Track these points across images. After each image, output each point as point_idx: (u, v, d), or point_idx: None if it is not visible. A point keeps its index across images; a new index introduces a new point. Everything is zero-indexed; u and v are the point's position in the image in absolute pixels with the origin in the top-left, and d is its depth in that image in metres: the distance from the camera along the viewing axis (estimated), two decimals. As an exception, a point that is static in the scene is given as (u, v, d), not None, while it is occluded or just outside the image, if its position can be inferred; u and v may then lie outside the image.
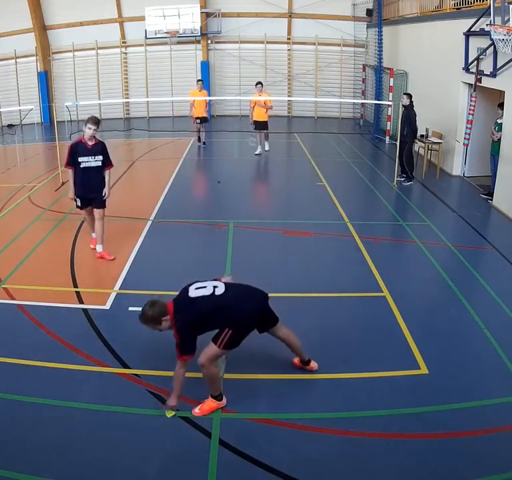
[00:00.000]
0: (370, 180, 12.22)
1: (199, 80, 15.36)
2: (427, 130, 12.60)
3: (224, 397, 4.53)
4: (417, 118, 11.44)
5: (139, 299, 6.36)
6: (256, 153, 14.16)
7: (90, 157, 7.19)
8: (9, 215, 9.57)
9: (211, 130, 16.85)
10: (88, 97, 20.41)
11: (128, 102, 21.42)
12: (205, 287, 4.49)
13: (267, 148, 14.38)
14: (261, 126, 14.12)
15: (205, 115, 14.89)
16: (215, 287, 4.49)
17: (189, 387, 4.79)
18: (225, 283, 4.57)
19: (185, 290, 4.56)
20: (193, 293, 4.46)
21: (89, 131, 7.14)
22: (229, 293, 4.45)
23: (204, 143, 15.43)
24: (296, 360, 5.10)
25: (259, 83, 14.09)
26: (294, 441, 4.21)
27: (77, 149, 7.18)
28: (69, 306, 6.25)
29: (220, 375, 4.57)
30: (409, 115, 11.34)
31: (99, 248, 7.55)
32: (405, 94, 11.90)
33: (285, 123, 20.42)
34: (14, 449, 4.05)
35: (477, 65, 10.58)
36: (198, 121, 14.86)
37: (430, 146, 12.43)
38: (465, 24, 10.97)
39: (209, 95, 18.39)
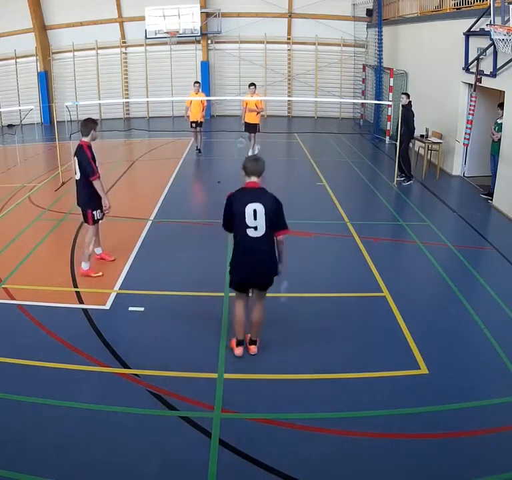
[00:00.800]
0: (370, 180, 12.23)
1: (196, 82, 14.54)
2: (427, 130, 12.60)
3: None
4: (415, 118, 11.44)
5: (139, 299, 6.39)
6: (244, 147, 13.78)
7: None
8: (9, 214, 9.57)
9: (211, 130, 16.84)
10: (88, 96, 20.43)
11: (128, 102, 21.43)
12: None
13: (256, 151, 13.76)
14: (251, 128, 13.67)
15: (201, 119, 14.13)
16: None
17: (188, 386, 4.80)
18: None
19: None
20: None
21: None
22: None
23: (199, 151, 14.52)
24: (247, 336, 5.33)
25: (252, 84, 13.53)
26: (294, 441, 4.21)
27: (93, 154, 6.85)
28: (68, 306, 6.25)
29: None
30: (407, 114, 11.34)
31: (98, 250, 7.40)
32: (403, 94, 11.91)
33: (285, 123, 20.43)
34: (14, 449, 4.05)
35: (477, 65, 10.58)
36: (193, 124, 14.26)
37: (430, 146, 12.43)
38: (465, 24, 10.97)
39: (208, 95, 18.39)
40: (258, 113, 13.67)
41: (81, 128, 6.87)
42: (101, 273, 7.03)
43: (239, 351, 5.25)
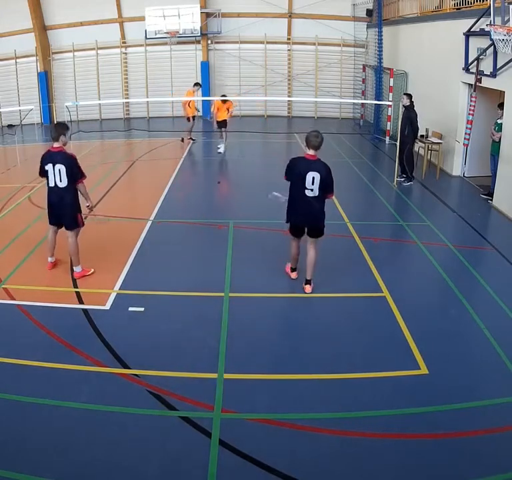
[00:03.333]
0: (370, 180, 12.22)
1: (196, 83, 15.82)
2: (427, 130, 12.60)
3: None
4: (417, 118, 11.44)
5: (139, 299, 6.39)
6: (220, 151, 14.28)
7: None
8: (9, 215, 9.57)
9: (210, 130, 16.83)
10: (88, 97, 20.42)
11: (128, 102, 21.42)
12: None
13: (222, 149, 14.34)
14: (222, 124, 14.44)
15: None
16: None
17: (188, 386, 4.80)
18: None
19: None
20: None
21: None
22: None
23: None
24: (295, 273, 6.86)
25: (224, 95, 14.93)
26: (294, 441, 4.21)
27: None
28: (68, 306, 6.25)
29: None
30: (410, 115, 11.33)
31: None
32: (405, 94, 11.90)
33: (285, 123, 20.43)
34: (14, 449, 4.05)
35: (477, 65, 10.58)
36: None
37: (430, 146, 12.43)
38: (465, 24, 10.97)
39: (208, 96, 18.45)
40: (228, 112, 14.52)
41: (54, 133, 6.70)
42: (92, 270, 7.08)
43: (294, 274, 6.85)
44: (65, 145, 6.77)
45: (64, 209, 6.83)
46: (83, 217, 7.01)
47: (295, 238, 6.63)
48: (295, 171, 6.25)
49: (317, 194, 6.23)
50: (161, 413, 4.45)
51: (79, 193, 6.83)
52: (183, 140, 16.15)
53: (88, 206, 6.95)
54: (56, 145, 6.69)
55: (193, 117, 15.97)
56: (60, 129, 6.71)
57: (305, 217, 6.40)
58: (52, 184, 6.71)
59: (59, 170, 6.59)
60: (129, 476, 3.87)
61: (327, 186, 6.23)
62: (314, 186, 6.18)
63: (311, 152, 6.24)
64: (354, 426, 4.35)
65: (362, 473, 3.91)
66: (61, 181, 6.65)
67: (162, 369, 5.03)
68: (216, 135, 15.98)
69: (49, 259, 7.25)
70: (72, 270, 7.14)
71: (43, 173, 6.77)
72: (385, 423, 4.42)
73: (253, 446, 4.11)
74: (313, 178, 6.14)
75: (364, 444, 4.17)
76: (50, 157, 6.65)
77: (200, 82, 17.18)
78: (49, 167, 6.64)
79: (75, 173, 6.66)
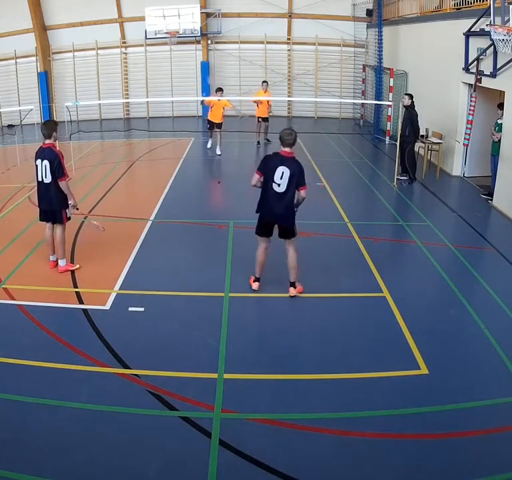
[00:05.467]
0: (370, 180, 12.23)
1: (264, 81, 15.87)
2: (427, 130, 12.60)
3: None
4: (418, 118, 11.45)
5: (139, 299, 6.39)
6: (218, 153, 14.36)
7: None
8: (9, 215, 9.57)
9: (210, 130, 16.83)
10: (88, 97, 20.42)
11: (128, 102, 21.42)
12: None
13: (219, 152, 14.46)
14: (218, 126, 14.46)
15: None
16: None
17: (188, 386, 4.80)
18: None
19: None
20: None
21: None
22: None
23: (265, 140, 15.53)
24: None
25: (220, 89, 14.60)
26: (294, 441, 4.21)
27: None
28: (68, 306, 6.26)
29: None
30: (411, 115, 11.33)
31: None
32: (406, 94, 11.91)
33: (285, 123, 20.42)
34: (14, 449, 4.05)
35: (477, 65, 10.58)
36: (260, 119, 15.44)
37: (430, 146, 12.43)
38: (465, 24, 10.97)
39: (208, 96, 18.50)
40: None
41: (44, 130, 6.80)
42: (77, 265, 7.16)
43: (255, 285, 6.58)
44: (55, 141, 6.89)
45: (49, 204, 6.95)
46: (68, 214, 7.02)
47: (262, 238, 6.48)
48: (267, 164, 6.29)
49: (283, 190, 6.19)
50: (160, 413, 4.45)
51: (66, 191, 6.89)
52: (260, 142, 15.75)
53: (71, 205, 6.98)
54: (47, 141, 6.81)
55: (262, 118, 15.64)
56: (51, 127, 6.82)
57: (271, 212, 6.32)
58: (39, 179, 6.85)
59: (45, 166, 6.73)
60: (129, 476, 3.87)
61: (297, 180, 6.21)
62: (282, 181, 6.17)
63: (287, 149, 6.24)
64: (354, 426, 4.35)
65: (362, 473, 3.91)
66: (45, 177, 6.78)
67: (162, 368, 5.04)
68: (214, 134, 15.97)
69: (50, 258, 7.26)
70: (72, 270, 7.15)
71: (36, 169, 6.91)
72: (385, 422, 4.42)
73: (253, 446, 4.11)
74: (283, 173, 6.15)
75: (364, 444, 4.17)
76: (40, 153, 6.81)
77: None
78: (38, 162, 6.80)
79: (56, 170, 6.73)
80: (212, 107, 14.39)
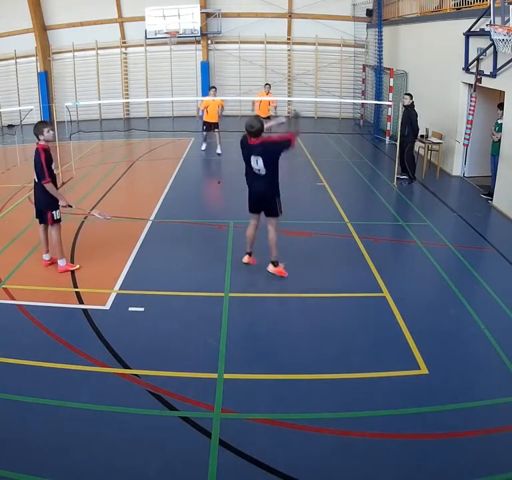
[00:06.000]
0: (370, 180, 12.23)
1: (266, 84, 15.89)
2: (427, 130, 12.60)
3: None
4: (418, 118, 11.45)
5: (139, 299, 6.39)
6: (218, 152, 14.44)
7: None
8: (8, 215, 9.57)
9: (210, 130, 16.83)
10: (88, 97, 20.43)
11: (128, 102, 21.42)
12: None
13: (219, 151, 14.52)
14: (215, 126, 14.58)
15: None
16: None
17: (188, 386, 4.80)
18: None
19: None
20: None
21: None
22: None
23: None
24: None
25: (213, 87, 15.08)
26: (294, 441, 4.21)
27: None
28: (68, 306, 6.26)
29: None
30: (410, 115, 11.34)
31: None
32: (406, 94, 11.91)
33: (285, 123, 20.39)
34: (14, 449, 4.05)
35: (477, 65, 10.58)
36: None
37: (430, 146, 12.43)
38: (465, 24, 10.97)
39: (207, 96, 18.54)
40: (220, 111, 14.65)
41: (34, 130, 6.83)
42: (77, 265, 7.17)
43: (246, 258, 7.06)
44: (47, 142, 6.88)
45: (37, 202, 7.02)
46: (55, 216, 6.93)
47: (252, 215, 6.94)
48: (243, 150, 6.66)
49: (264, 172, 6.52)
50: (161, 413, 4.45)
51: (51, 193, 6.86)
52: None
53: (62, 205, 6.97)
54: (39, 142, 6.84)
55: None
56: (38, 127, 6.82)
57: (256, 191, 6.72)
58: (34, 177, 6.91)
59: (33, 165, 6.80)
60: (129, 476, 3.87)
61: (275, 158, 6.49)
62: (259, 166, 6.51)
63: (252, 138, 6.50)
64: (354, 426, 4.35)
65: (362, 473, 3.91)
66: (35, 176, 6.85)
67: (162, 368, 5.03)
68: (215, 134, 15.96)
69: (43, 257, 7.27)
70: (72, 270, 7.15)
71: None
72: (385, 423, 4.42)
73: (253, 446, 4.10)
74: (257, 161, 6.49)
75: (364, 444, 4.17)
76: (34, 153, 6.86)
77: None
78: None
79: (39, 172, 6.74)
80: (207, 107, 14.40)
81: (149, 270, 7.26)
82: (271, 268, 6.88)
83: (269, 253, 6.89)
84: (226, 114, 21.07)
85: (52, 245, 7.14)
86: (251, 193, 6.85)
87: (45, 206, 6.94)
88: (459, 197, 11.29)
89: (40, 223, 7.14)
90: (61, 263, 7.11)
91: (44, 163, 6.67)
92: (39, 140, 6.82)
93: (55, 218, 6.97)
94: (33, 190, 7.10)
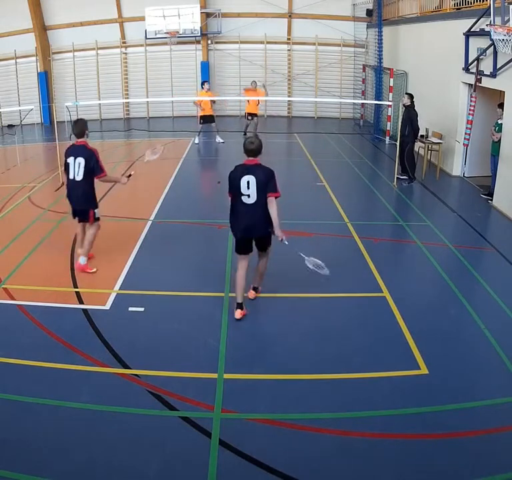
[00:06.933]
0: (370, 180, 12.22)
1: (253, 81, 16.54)
2: (427, 130, 12.60)
3: None
4: (418, 118, 11.45)
5: (139, 299, 6.39)
6: (221, 141, 15.64)
7: None
8: (8, 215, 9.57)
9: (210, 130, 16.83)
10: (88, 97, 20.43)
11: (128, 102, 21.42)
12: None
13: (220, 140, 15.69)
14: (211, 119, 15.48)
15: (256, 111, 16.00)
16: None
17: (188, 386, 4.80)
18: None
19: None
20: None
21: None
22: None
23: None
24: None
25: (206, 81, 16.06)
26: (294, 441, 4.21)
27: None
28: (68, 306, 6.25)
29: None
30: (410, 114, 11.34)
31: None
32: (406, 94, 11.91)
33: (285, 123, 20.44)
34: (14, 449, 4.05)
35: (477, 65, 10.58)
36: (249, 117, 16.29)
37: (430, 146, 12.43)
38: (465, 24, 10.97)
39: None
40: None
41: (77, 130, 6.88)
42: (95, 269, 7.12)
43: (238, 313, 5.95)
44: (87, 139, 6.99)
45: (77, 203, 7.02)
46: (96, 214, 7.05)
47: (241, 256, 6.00)
48: (232, 179, 5.80)
49: (255, 199, 5.68)
50: (161, 413, 4.45)
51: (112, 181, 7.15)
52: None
53: (128, 176, 7.30)
54: (80, 140, 6.88)
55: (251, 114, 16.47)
56: (81, 126, 6.90)
57: (247, 227, 5.84)
58: (71, 177, 6.88)
59: (79, 163, 6.77)
60: (129, 476, 3.87)
61: (266, 187, 5.66)
62: (250, 191, 5.66)
63: (250, 158, 5.79)
64: (354, 426, 4.35)
65: (362, 473, 3.91)
66: (77, 175, 6.81)
67: (162, 368, 5.04)
68: (215, 134, 15.97)
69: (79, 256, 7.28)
70: (72, 270, 7.15)
71: (66, 167, 6.93)
72: (385, 422, 4.42)
73: (253, 446, 4.11)
74: (248, 182, 5.65)
75: (364, 444, 4.17)
76: (72, 151, 6.86)
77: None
78: (70, 160, 6.83)
79: (95, 168, 6.80)
80: (201, 103, 15.04)
81: (149, 270, 7.26)
82: (251, 294, 6.34)
83: (252, 280, 6.29)
84: (226, 114, 21.24)
85: (85, 241, 7.11)
86: (238, 230, 5.91)
87: (88, 205, 6.97)
88: (459, 197, 11.29)
89: (79, 221, 7.19)
90: (83, 260, 7.09)
91: (99, 158, 6.83)
92: (80, 137, 6.87)
93: (96, 216, 7.04)
94: (67, 188, 6.99)
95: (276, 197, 5.70)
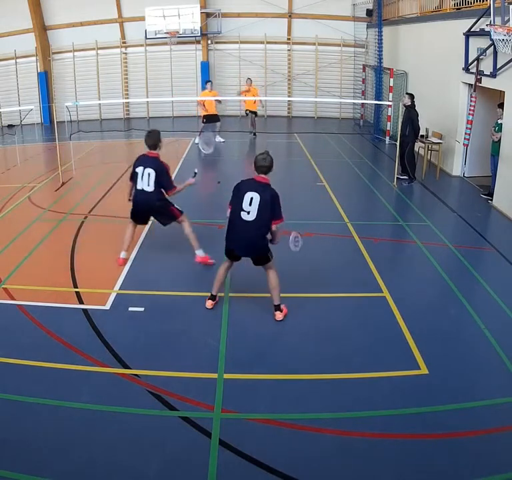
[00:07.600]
0: (370, 180, 12.23)
1: (248, 78, 16.81)
2: (427, 130, 12.61)
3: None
4: (418, 118, 11.45)
5: (139, 299, 6.39)
6: (221, 140, 15.83)
7: None
8: (9, 215, 9.56)
9: (210, 130, 16.85)
10: (88, 97, 20.42)
11: (128, 102, 21.42)
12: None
13: (221, 139, 15.83)
14: (216, 118, 15.62)
15: (255, 108, 16.53)
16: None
17: (188, 386, 4.80)
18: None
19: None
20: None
21: None
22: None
23: (253, 135, 16.88)
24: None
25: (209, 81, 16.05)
26: (294, 441, 4.21)
27: None
28: (68, 306, 6.25)
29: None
30: (411, 114, 11.34)
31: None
32: (407, 94, 11.91)
33: (285, 123, 20.44)
34: (14, 449, 4.05)
35: (477, 65, 10.58)
36: (248, 111, 16.77)
37: (430, 146, 12.43)
38: (465, 24, 10.97)
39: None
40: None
41: (150, 141, 7.01)
42: (213, 261, 7.23)
43: (209, 303, 6.16)
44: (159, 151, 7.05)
45: (153, 211, 7.15)
46: (177, 208, 7.22)
47: (227, 259, 6.08)
48: (236, 191, 5.74)
49: (253, 217, 5.57)
50: (161, 413, 4.45)
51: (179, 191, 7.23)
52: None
53: (194, 175, 7.45)
54: (152, 151, 6.99)
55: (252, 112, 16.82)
56: (155, 138, 7.07)
57: (238, 243, 5.79)
58: (139, 187, 6.90)
59: (149, 174, 6.81)
60: (129, 476, 3.87)
61: (270, 210, 5.57)
62: (251, 207, 5.56)
63: (261, 174, 5.70)
64: (354, 426, 4.35)
65: (362, 473, 3.91)
66: (148, 185, 6.86)
67: (162, 368, 5.04)
68: (211, 127, 15.98)
69: (122, 255, 7.28)
70: (72, 270, 7.15)
71: (133, 176, 6.97)
72: (385, 423, 4.42)
73: (253, 446, 4.11)
74: (251, 198, 5.55)
75: (364, 444, 4.17)
76: (143, 161, 6.93)
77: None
78: (139, 169, 6.88)
79: (166, 183, 6.91)
80: (204, 103, 15.10)
81: (149, 270, 7.26)
82: (278, 316, 5.96)
83: (271, 298, 6.00)
84: (226, 114, 21.24)
85: (189, 238, 7.21)
86: (231, 240, 5.87)
87: (166, 205, 7.12)
88: (459, 197, 11.30)
89: (164, 224, 7.33)
90: (200, 253, 7.24)
91: (170, 174, 6.99)
92: (153, 149, 6.96)
93: (179, 209, 7.20)
94: (136, 197, 7.00)
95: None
